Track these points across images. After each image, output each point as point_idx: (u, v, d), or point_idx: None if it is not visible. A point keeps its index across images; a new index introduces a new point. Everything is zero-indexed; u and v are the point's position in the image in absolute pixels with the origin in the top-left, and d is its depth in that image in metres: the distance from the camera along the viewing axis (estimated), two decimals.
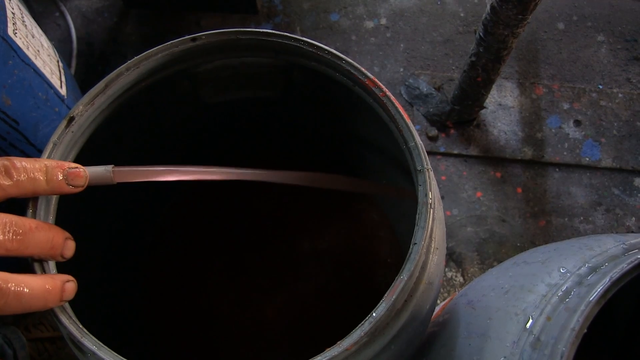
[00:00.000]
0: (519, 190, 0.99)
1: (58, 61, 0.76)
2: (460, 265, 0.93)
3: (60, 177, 0.32)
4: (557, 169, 1.00)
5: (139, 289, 0.60)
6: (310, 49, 0.40)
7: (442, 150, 1.01)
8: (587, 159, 1.00)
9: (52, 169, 0.32)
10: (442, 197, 0.98)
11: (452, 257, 0.94)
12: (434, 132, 1.02)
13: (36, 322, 0.81)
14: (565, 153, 1.01)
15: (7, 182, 0.30)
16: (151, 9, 1.16)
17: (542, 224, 0.96)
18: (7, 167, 0.30)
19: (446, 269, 0.92)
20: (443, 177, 1.00)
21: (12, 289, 0.29)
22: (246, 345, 0.58)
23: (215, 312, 0.60)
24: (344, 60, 0.39)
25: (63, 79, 0.75)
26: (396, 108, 0.37)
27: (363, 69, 0.39)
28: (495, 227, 0.96)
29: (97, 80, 0.39)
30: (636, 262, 0.33)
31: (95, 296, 0.46)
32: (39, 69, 0.66)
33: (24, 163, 0.31)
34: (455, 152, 1.01)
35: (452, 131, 1.02)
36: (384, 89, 0.38)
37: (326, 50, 0.40)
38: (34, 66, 0.65)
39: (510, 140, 1.02)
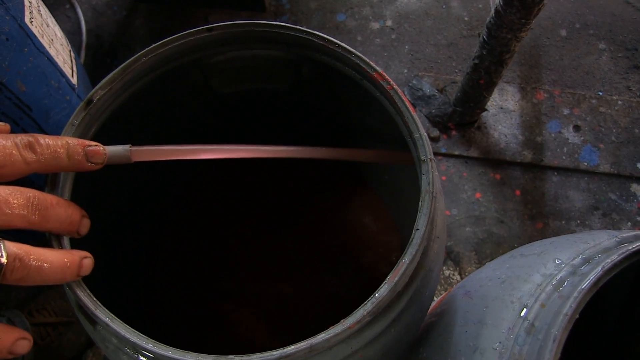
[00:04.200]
0: (518, 192, 1.00)
1: (70, 51, 0.78)
2: (458, 264, 0.94)
3: (81, 154, 0.34)
4: (555, 173, 1.02)
5: (149, 267, 0.62)
6: (322, 42, 0.41)
7: (443, 151, 1.03)
8: (586, 163, 1.02)
9: (73, 146, 0.33)
10: None
11: (450, 256, 0.95)
12: (435, 133, 1.03)
13: (39, 307, 0.82)
14: (564, 157, 1.02)
15: (31, 157, 0.31)
16: (160, 3, 1.18)
17: (539, 226, 0.98)
18: (31, 142, 0.32)
19: (444, 267, 0.94)
20: (443, 178, 1.01)
21: (34, 262, 0.30)
22: (257, 321, 0.60)
23: (227, 288, 0.62)
24: (354, 54, 0.41)
25: (74, 68, 0.77)
26: (402, 101, 0.39)
27: (371, 63, 0.40)
28: (493, 228, 0.97)
29: (105, 72, 0.39)
30: (627, 253, 0.35)
31: (102, 275, 0.48)
32: (53, 58, 0.68)
33: (47, 139, 0.32)
34: (456, 153, 1.02)
35: (453, 132, 1.04)
36: (392, 82, 0.39)
37: (337, 44, 0.41)
38: (47, 54, 0.66)
39: (511, 143, 1.03)
